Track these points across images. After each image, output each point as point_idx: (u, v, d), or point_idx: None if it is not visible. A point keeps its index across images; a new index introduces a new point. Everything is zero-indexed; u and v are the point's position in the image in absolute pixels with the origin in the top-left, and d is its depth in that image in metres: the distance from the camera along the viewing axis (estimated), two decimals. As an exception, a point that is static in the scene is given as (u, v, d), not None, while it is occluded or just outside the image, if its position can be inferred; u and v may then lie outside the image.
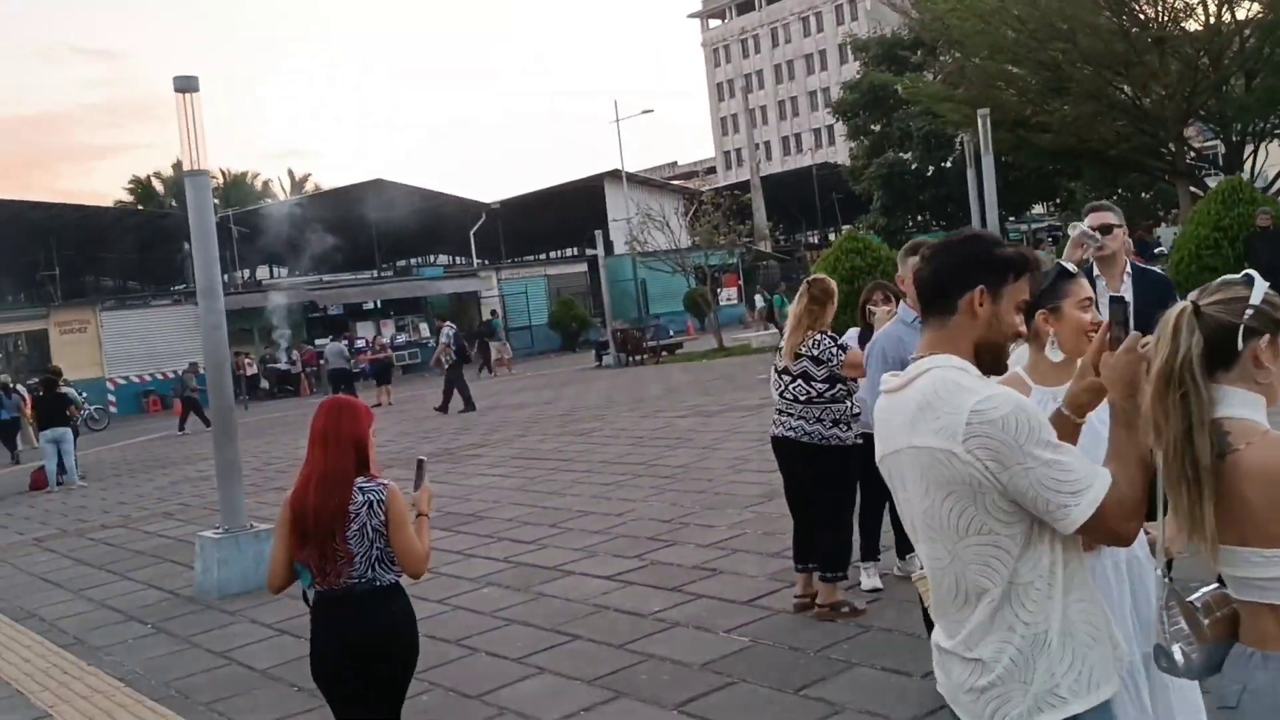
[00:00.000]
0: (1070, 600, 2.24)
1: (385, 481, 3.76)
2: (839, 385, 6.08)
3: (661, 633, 6.20)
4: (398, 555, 3.73)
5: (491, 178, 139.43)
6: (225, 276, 40.71)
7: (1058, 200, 38.93)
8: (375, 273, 47.77)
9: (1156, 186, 34.56)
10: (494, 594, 7.48)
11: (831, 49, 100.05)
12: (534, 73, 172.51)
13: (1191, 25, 24.63)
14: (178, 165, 70.26)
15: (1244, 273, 2.28)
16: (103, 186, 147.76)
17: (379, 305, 42.98)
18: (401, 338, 42.09)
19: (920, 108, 31.45)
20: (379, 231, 45.27)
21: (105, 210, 47.01)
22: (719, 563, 7.49)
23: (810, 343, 6.09)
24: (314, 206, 44.52)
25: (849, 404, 6.11)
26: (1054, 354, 3.18)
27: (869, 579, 6.45)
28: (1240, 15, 24.05)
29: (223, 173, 67.81)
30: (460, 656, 6.26)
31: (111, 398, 33.32)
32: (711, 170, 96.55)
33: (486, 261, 48.57)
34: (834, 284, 6.33)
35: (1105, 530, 2.18)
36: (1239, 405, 2.19)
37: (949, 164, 35.26)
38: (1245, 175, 22.36)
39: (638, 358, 29.81)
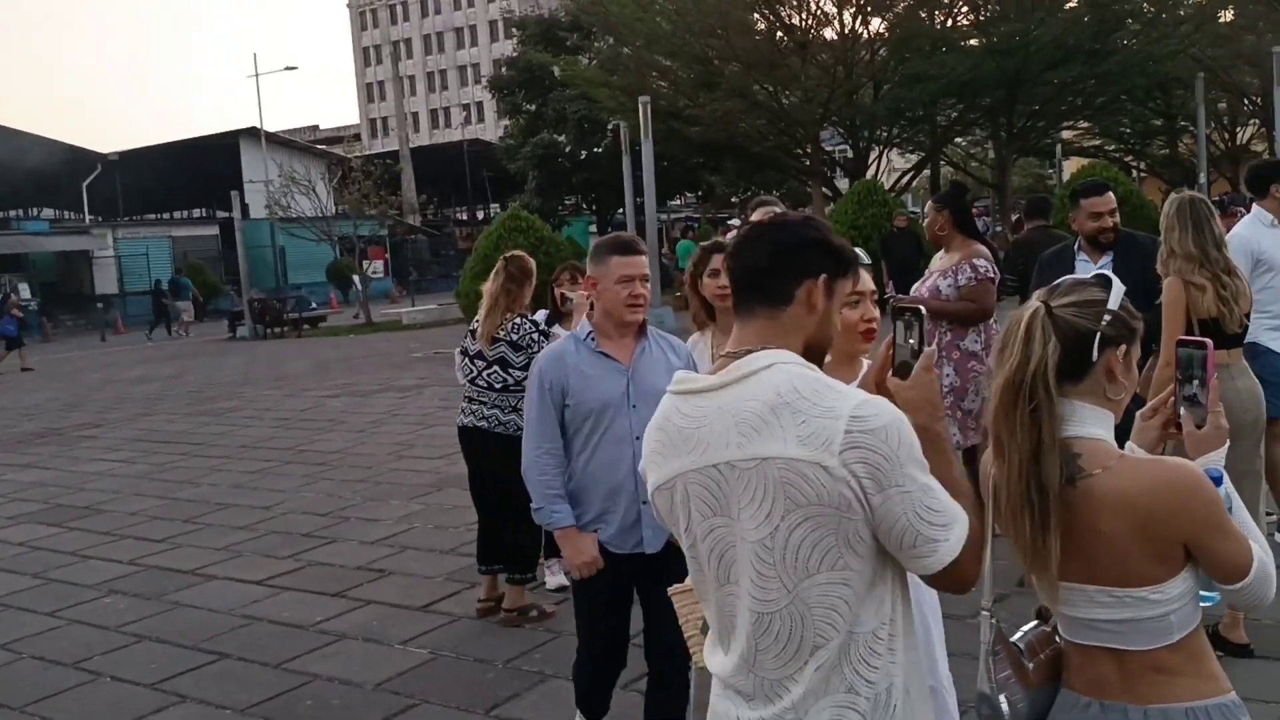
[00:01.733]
0: (908, 652, 1.89)
1: None
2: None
3: (325, 647, 5.50)
4: None
5: (109, 127, 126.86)
6: None
7: (699, 192, 40.57)
8: (-34, 224, 42.09)
9: (788, 185, 36.78)
10: (119, 604, 6.44)
11: (482, 25, 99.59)
12: (159, 9, 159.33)
13: (829, 34, 26.26)
14: None
15: (1096, 273, 2.03)
16: None
17: (-32, 261, 37.94)
18: (-5, 299, 37.35)
19: (576, 91, 31.60)
20: (-29, 179, 39.99)
21: None
22: (386, 562, 6.84)
23: (509, 327, 5.60)
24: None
25: None
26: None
27: (555, 576, 6.05)
28: (873, 29, 25.93)
29: None
30: (79, 684, 5.26)
31: None
32: (356, 137, 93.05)
33: (100, 218, 44.07)
34: (533, 262, 5.87)
35: (958, 572, 1.83)
36: (1090, 423, 1.94)
37: (600, 149, 35.77)
38: (873, 179, 24.08)
39: (277, 330, 28.04)
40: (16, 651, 5.76)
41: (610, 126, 35.38)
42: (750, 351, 1.87)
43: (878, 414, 1.76)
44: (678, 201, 48.83)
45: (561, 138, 35.80)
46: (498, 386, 5.63)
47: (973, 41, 26.04)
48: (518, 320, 5.61)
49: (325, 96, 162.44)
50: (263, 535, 7.71)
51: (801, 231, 1.94)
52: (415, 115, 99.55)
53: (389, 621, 5.79)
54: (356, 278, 32.22)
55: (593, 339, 3.60)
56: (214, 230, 46.05)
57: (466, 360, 5.84)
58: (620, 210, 38.50)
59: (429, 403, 13.34)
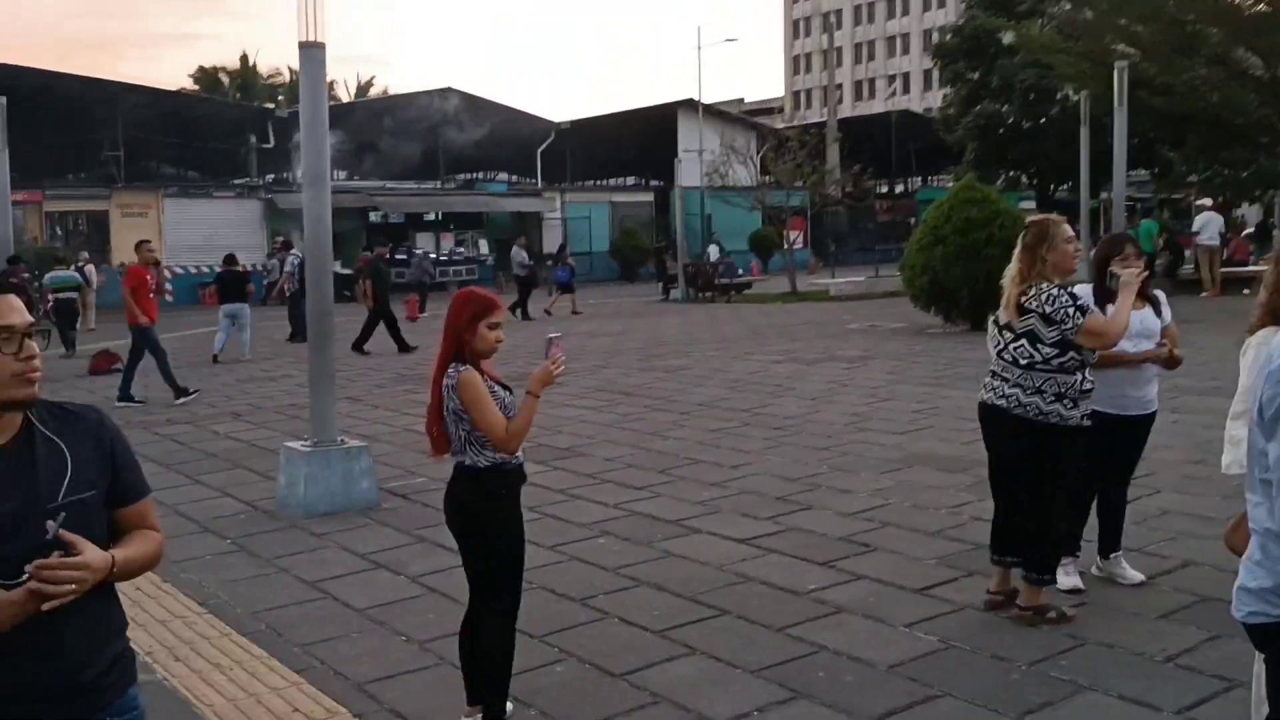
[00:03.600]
0: None
1: (462, 367, 4.03)
2: (1071, 353, 5.03)
3: (825, 618, 5.35)
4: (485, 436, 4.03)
5: (558, 99, 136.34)
6: (286, 174, 40.20)
7: (1154, 170, 37.20)
8: (438, 183, 46.83)
9: (1258, 163, 32.83)
10: (612, 546, 6.66)
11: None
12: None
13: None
14: (244, 60, 69.73)
15: None
16: (167, 76, 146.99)
17: (439, 217, 42.18)
18: (460, 253, 41.30)
19: (1027, 59, 29.84)
20: (444, 143, 44.30)
21: (172, 95, 46.14)
22: (869, 536, 6.61)
23: (1044, 297, 5.02)
24: (379, 111, 43.49)
25: (1080, 377, 5.06)
26: None
27: (1067, 577, 5.55)
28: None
29: (289, 70, 66.79)
30: (590, 620, 5.45)
31: (169, 287, 32.78)
32: (780, 110, 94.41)
33: (550, 184, 47.45)
34: (1056, 225, 5.31)
35: None
36: None
37: (1045, 120, 33.67)
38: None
39: (707, 294, 28.84)
40: (528, 581, 6.07)
41: (1060, 95, 33.35)
42: None
43: None
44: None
45: (1005, 108, 34.05)
46: (1023, 363, 5.10)
47: None
48: (1054, 290, 5.02)
49: (752, 70, 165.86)
50: (735, 494, 7.75)
51: None
52: (839, 86, 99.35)
53: (886, 600, 5.55)
54: (789, 244, 32.50)
55: None
56: (648, 197, 48.25)
57: (995, 330, 5.39)
58: (1065, 185, 36.23)
59: (876, 375, 13.03)
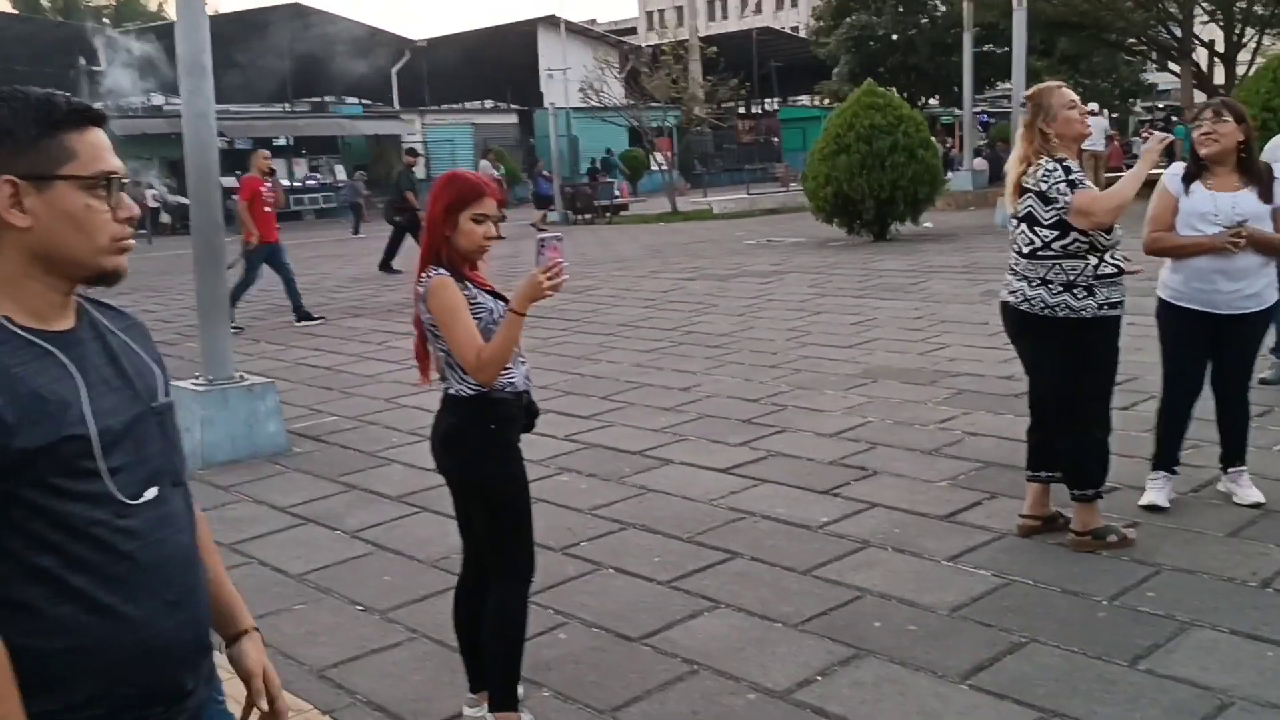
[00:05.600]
0: None
1: (438, 271, 3.19)
2: (1074, 235, 4.33)
3: (852, 555, 4.65)
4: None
5: (412, 16, 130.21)
6: (127, 100, 37.29)
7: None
8: (287, 106, 44.21)
9: (1119, 70, 33.38)
10: (579, 484, 5.84)
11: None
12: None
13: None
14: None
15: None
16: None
17: (291, 142, 39.84)
18: (315, 179, 39.20)
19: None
20: (292, 63, 41.72)
21: (-14, 16, 42.26)
22: (864, 459, 5.94)
23: (1040, 173, 4.35)
24: (218, 29, 40.62)
25: (1092, 261, 4.35)
26: None
27: (1152, 492, 4.97)
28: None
29: (114, -13, 62.14)
30: (581, 574, 4.63)
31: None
32: (632, 30, 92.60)
33: (407, 106, 45.33)
34: (1056, 91, 4.59)
35: None
36: None
37: (914, 31, 33.44)
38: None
39: (587, 216, 27.83)
40: (492, 529, 5.21)
41: (930, 4, 33.16)
42: None
43: None
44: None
45: (877, 19, 33.64)
46: (1025, 250, 4.44)
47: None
48: (1049, 164, 4.34)
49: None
50: (695, 419, 6.99)
51: None
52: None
53: (912, 530, 4.88)
54: (657, 165, 31.64)
55: None
56: (513, 119, 46.64)
57: (1007, 219, 4.75)
58: (934, 98, 36.28)
59: (797, 289, 12.39)
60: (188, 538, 1.69)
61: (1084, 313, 4.37)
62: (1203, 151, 4.75)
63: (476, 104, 53.89)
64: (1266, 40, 26.14)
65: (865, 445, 6.19)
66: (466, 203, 3.22)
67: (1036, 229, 4.39)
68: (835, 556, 4.63)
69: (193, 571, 1.70)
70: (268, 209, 11.75)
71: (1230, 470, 4.99)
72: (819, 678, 3.63)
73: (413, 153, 21.72)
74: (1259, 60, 25.67)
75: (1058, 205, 4.30)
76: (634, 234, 22.87)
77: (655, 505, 5.43)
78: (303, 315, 12.09)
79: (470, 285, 3.24)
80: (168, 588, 1.62)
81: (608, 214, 28.18)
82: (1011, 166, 4.58)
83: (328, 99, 49.05)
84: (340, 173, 40.00)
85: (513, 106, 49.38)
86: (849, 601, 4.19)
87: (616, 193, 31.85)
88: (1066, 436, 4.55)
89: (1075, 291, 4.36)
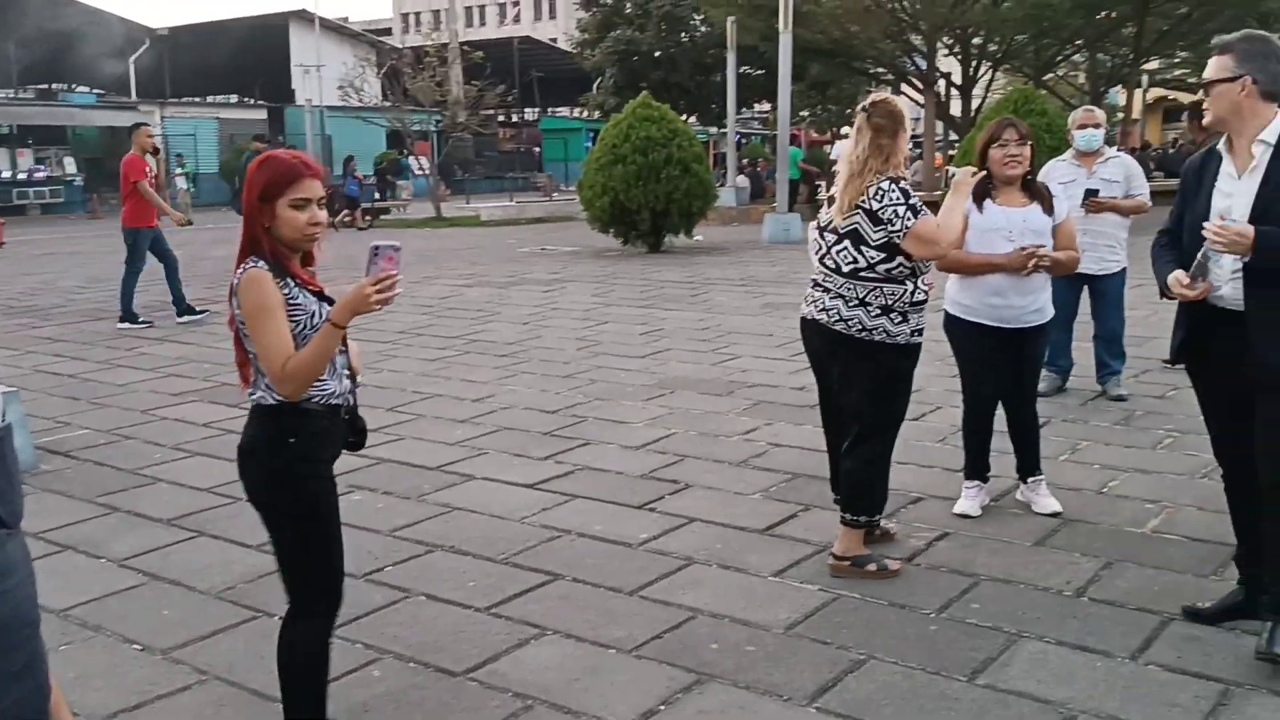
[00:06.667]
0: None
1: (255, 264, 2.84)
2: (900, 259, 4.29)
3: (679, 574, 4.49)
4: None
5: (152, 3, 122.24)
6: None
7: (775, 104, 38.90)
8: (10, 93, 40.59)
9: (863, 94, 35.13)
10: (375, 503, 5.43)
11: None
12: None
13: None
14: None
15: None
16: None
17: (14, 131, 36.56)
18: (41, 171, 36.12)
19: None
20: (17, 47, 38.37)
21: None
22: (674, 472, 5.81)
23: (872, 191, 4.24)
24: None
25: (911, 287, 4.33)
26: None
27: (965, 501, 5.07)
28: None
29: None
30: (390, 602, 4.27)
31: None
32: (387, 31, 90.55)
33: (146, 97, 42.52)
34: (902, 106, 4.61)
35: None
36: None
37: (675, 49, 34.13)
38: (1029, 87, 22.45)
39: (346, 219, 26.79)
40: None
41: (692, 23, 33.88)
42: None
43: None
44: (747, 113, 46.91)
45: (642, 34, 34.10)
46: (845, 269, 4.33)
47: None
48: (885, 183, 4.26)
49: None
50: (494, 431, 6.69)
51: None
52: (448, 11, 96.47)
53: (734, 545, 4.77)
54: (418, 170, 30.92)
55: None
56: (262, 114, 44.51)
57: (817, 233, 4.62)
58: (693, 115, 37.11)
59: (580, 298, 12.23)
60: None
61: (899, 338, 4.34)
62: (1009, 173, 4.88)
63: (223, 98, 51.21)
64: (999, 77, 28.16)
65: (674, 458, 6.07)
66: (283, 187, 2.86)
67: (862, 248, 4.29)
68: (660, 575, 4.46)
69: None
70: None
71: (1029, 480, 5.15)
72: (663, 708, 3.44)
73: (261, 139, 20.59)
74: (993, 93, 27.66)
75: (892, 228, 4.24)
76: (401, 239, 22.12)
77: (462, 524, 5.11)
78: (184, 309, 11.00)
79: (293, 282, 2.87)
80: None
81: (369, 217, 27.28)
82: (844, 179, 4.45)
83: (57, 86, 45.40)
84: (70, 165, 37.05)
85: (262, 102, 47.23)
86: (682, 623, 4.02)
87: (375, 195, 30.96)
88: (858, 459, 4.46)
89: (892, 316, 4.33)
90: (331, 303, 2.94)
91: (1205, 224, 3.50)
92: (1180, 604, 3.99)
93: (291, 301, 2.85)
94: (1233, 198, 3.53)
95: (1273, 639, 3.51)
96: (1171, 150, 39.19)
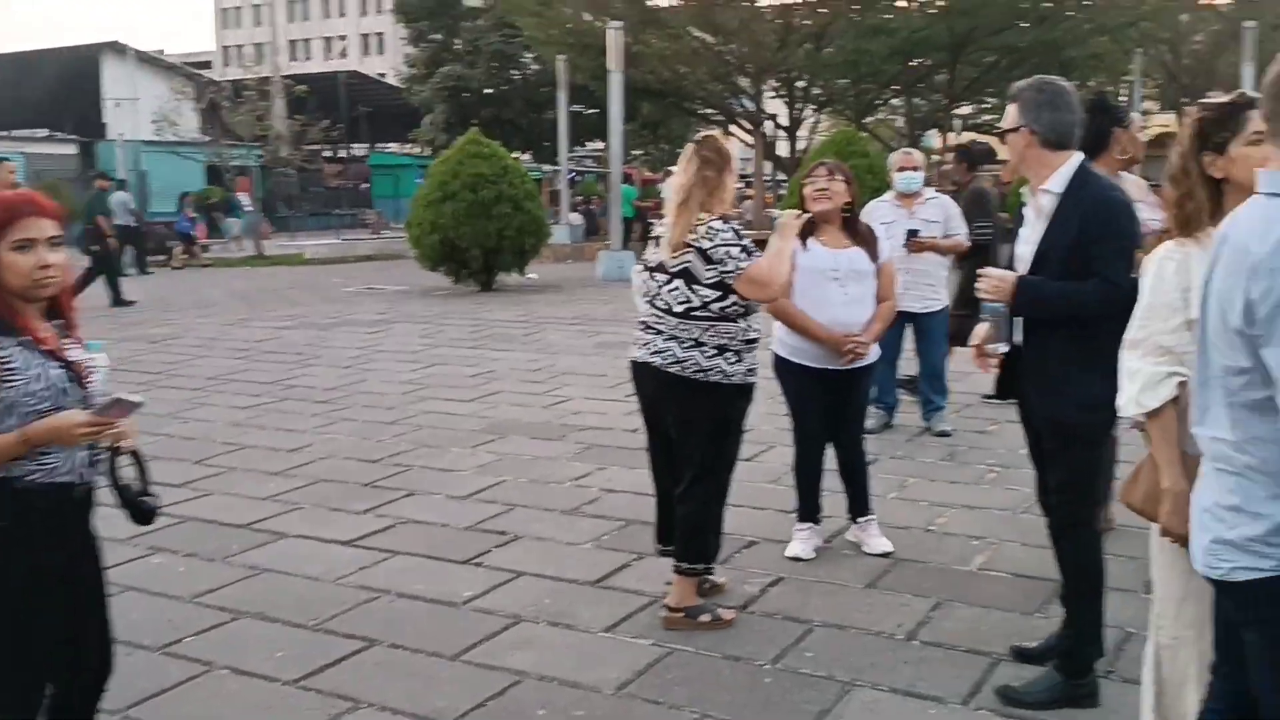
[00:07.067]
0: None
1: None
2: (734, 297, 4.19)
3: (503, 633, 4.26)
4: None
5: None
6: None
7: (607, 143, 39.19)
8: None
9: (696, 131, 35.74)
10: (177, 567, 5.03)
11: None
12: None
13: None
14: None
15: None
16: None
17: None
18: None
19: (491, 21, 29.79)
20: None
21: None
22: (502, 523, 5.58)
23: (703, 230, 4.14)
24: None
25: (744, 325, 4.25)
26: None
27: (797, 544, 5.00)
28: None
29: None
30: (188, 678, 3.90)
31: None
32: (207, 64, 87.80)
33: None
34: (729, 146, 4.56)
35: None
36: None
37: (508, 86, 34.04)
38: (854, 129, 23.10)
39: (161, 258, 25.55)
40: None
41: (524, 60, 33.83)
42: None
43: None
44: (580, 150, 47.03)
45: (472, 71, 33.86)
46: (678, 309, 4.19)
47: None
48: (716, 223, 4.17)
49: (177, 19, 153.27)
50: (310, 484, 6.33)
51: None
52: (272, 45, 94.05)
53: (565, 600, 4.57)
54: (243, 207, 29.86)
55: None
56: (72, 149, 42.32)
57: (646, 274, 4.50)
58: (526, 153, 36.96)
59: (408, 339, 11.86)
60: None
61: (735, 378, 4.25)
62: (815, 208, 4.88)
63: (30, 133, 48.45)
64: (823, 119, 29.05)
65: (502, 507, 5.83)
66: (1, 228, 2.52)
67: (695, 287, 4.17)
68: (486, 636, 4.23)
69: None
70: None
71: (860, 520, 5.13)
72: (487, 786, 3.21)
73: (104, 176, 19.56)
74: (817, 135, 28.49)
75: (724, 268, 4.13)
76: (218, 278, 21.32)
77: (272, 587, 4.76)
78: None
79: (16, 339, 2.53)
80: None
81: (186, 255, 26.10)
82: (672, 212, 4.34)
83: None
84: None
85: (74, 137, 44.88)
86: (507, 688, 3.80)
87: (194, 233, 29.70)
88: (693, 505, 4.31)
89: (728, 355, 4.22)
90: (71, 369, 2.61)
91: (979, 271, 3.56)
92: (1008, 643, 3.99)
93: (4, 365, 2.49)
94: (1027, 244, 3.56)
95: (1031, 686, 3.57)
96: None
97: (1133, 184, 5.35)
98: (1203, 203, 2.72)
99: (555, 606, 4.50)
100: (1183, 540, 2.50)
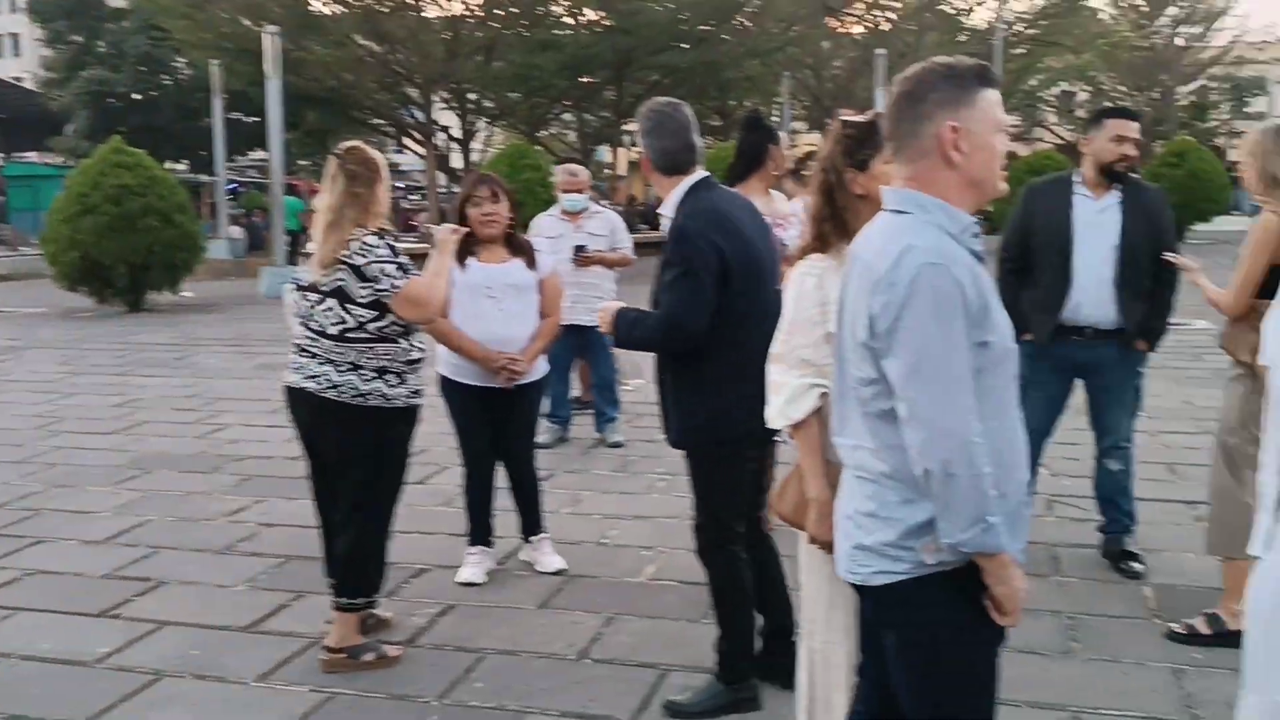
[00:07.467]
0: None
1: None
2: (390, 317, 4.00)
3: (144, 691, 3.87)
4: None
5: None
6: None
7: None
8: None
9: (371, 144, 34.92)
10: None
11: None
12: None
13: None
14: None
15: None
16: None
17: None
18: None
19: (138, 23, 27.80)
20: None
21: None
22: (144, 568, 5.10)
23: (357, 245, 3.92)
24: None
25: (405, 345, 4.07)
26: None
27: (468, 569, 4.86)
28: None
29: None
30: None
31: None
32: None
33: None
34: (378, 155, 4.36)
35: None
36: None
37: (158, 92, 31.87)
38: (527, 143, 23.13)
39: None
40: None
41: (175, 64, 31.74)
42: None
43: None
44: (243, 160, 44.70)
45: (117, 75, 31.39)
46: (332, 330, 3.98)
47: (590, 15, 25.96)
48: (370, 238, 3.96)
49: None
50: (-87, 537, 5.55)
51: None
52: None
53: (214, 649, 4.21)
54: None
55: None
56: None
57: (299, 294, 4.23)
58: (181, 163, 34.73)
59: (44, 366, 10.75)
60: None
61: (396, 401, 4.05)
62: (485, 233, 4.79)
63: None
64: (497, 131, 29.09)
65: (145, 550, 5.33)
66: None
67: (349, 307, 3.93)
68: (123, 696, 3.81)
69: None
70: None
71: (532, 539, 5.07)
72: None
73: None
74: (491, 147, 28.51)
75: (379, 286, 3.92)
76: None
77: None
78: None
79: None
80: None
81: None
82: (322, 231, 4.06)
83: None
84: None
85: None
86: (145, 755, 3.43)
87: None
88: (354, 535, 4.09)
89: (388, 378, 4.01)
90: None
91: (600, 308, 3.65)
92: (679, 653, 4.03)
93: None
94: None
95: (694, 697, 3.67)
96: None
97: (782, 200, 5.63)
98: (841, 218, 2.81)
99: (203, 658, 4.14)
100: (829, 547, 2.57)
